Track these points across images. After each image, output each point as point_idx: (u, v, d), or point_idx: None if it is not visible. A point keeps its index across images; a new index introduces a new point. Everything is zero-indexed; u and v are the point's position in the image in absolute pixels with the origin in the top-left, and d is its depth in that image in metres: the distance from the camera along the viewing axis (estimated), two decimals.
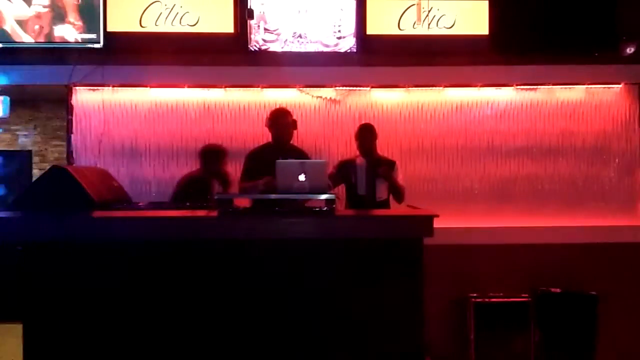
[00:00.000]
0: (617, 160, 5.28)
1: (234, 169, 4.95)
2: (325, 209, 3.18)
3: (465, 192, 5.23)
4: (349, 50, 5.17)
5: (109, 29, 5.07)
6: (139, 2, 5.11)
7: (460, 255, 4.89)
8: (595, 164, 5.27)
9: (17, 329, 3.00)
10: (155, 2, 5.11)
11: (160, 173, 5.16)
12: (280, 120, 4.29)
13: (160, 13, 5.10)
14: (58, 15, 5.08)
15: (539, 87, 5.28)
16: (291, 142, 4.33)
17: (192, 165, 5.14)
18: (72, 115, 5.17)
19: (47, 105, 8.04)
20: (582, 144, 5.28)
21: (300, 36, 5.18)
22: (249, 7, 5.05)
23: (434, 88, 5.26)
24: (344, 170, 4.57)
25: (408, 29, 5.15)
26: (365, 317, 3.04)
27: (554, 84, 5.27)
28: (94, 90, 5.16)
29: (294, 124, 4.31)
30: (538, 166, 5.26)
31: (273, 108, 4.50)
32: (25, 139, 8.15)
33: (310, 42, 5.17)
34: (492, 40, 5.12)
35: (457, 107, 5.28)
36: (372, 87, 5.25)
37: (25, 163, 8.00)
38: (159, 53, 5.05)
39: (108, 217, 3.17)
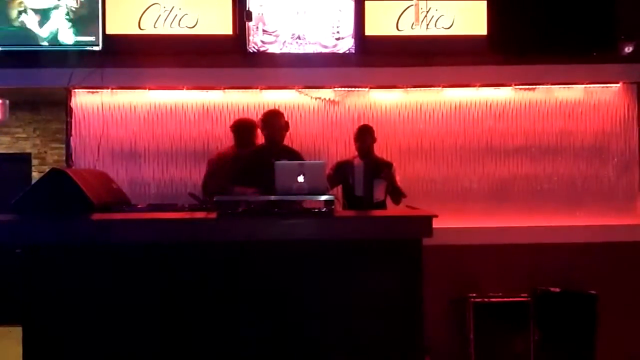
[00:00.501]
0: (615, 159, 5.28)
1: None
2: (324, 210, 3.18)
3: (464, 192, 5.24)
4: (347, 51, 5.17)
5: (108, 32, 5.08)
6: (137, 4, 5.11)
7: (459, 255, 4.90)
8: (594, 164, 5.27)
9: (16, 331, 3.01)
10: (154, 4, 5.11)
11: (160, 175, 5.16)
12: (273, 121, 4.29)
13: (159, 15, 5.10)
14: (58, 17, 5.08)
15: (537, 86, 5.28)
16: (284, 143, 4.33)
17: (191, 167, 5.15)
18: (71, 117, 5.17)
19: (47, 108, 8.04)
20: (580, 144, 5.28)
21: (298, 37, 5.18)
22: (247, 8, 5.05)
23: (432, 88, 5.27)
24: (342, 171, 4.58)
25: (406, 30, 5.15)
26: (365, 318, 3.04)
27: (552, 84, 5.27)
28: (93, 92, 5.17)
29: (286, 126, 4.32)
30: (537, 166, 5.26)
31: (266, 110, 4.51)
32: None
33: (309, 43, 5.18)
34: (491, 41, 5.13)
35: (455, 107, 5.29)
36: (371, 87, 5.26)
37: (25, 166, 8.01)
38: (157, 55, 5.06)
39: (107, 219, 3.17)
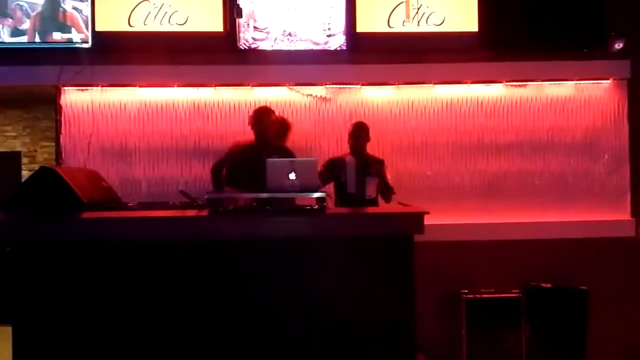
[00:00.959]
0: (606, 155, 5.31)
1: None
2: (316, 207, 3.18)
3: (456, 188, 5.25)
4: (338, 48, 5.17)
5: (97, 29, 5.04)
6: (127, 1, 5.07)
7: (451, 251, 4.92)
8: (585, 160, 5.30)
9: (6, 331, 2.99)
10: (144, 1, 5.08)
11: (150, 173, 5.13)
12: (263, 119, 4.29)
13: (149, 12, 5.07)
14: (46, 15, 5.04)
15: (528, 83, 5.30)
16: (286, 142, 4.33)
17: (182, 165, 5.13)
18: (61, 115, 5.14)
19: (36, 106, 8.00)
20: (571, 140, 5.30)
21: (290, 34, 5.17)
22: (237, 5, 5.03)
23: (424, 85, 5.27)
24: (333, 169, 4.58)
25: (398, 27, 5.15)
26: (357, 315, 3.04)
27: (543, 80, 5.29)
28: (82, 90, 5.13)
29: (276, 123, 4.32)
30: (528, 162, 5.28)
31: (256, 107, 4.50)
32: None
33: (300, 40, 5.17)
34: (482, 37, 5.13)
35: (447, 104, 5.29)
36: (363, 84, 5.25)
37: (15, 164, 7.97)
38: (148, 52, 5.03)
39: (97, 218, 3.15)
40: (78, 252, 3.00)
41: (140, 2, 5.07)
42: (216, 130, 5.16)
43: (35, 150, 8.26)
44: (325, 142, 5.19)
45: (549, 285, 4.84)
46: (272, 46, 5.15)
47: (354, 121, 4.79)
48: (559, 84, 5.31)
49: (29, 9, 5.02)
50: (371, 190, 4.51)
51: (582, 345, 4.73)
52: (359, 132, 4.61)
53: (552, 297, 4.82)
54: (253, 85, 5.20)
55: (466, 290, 4.85)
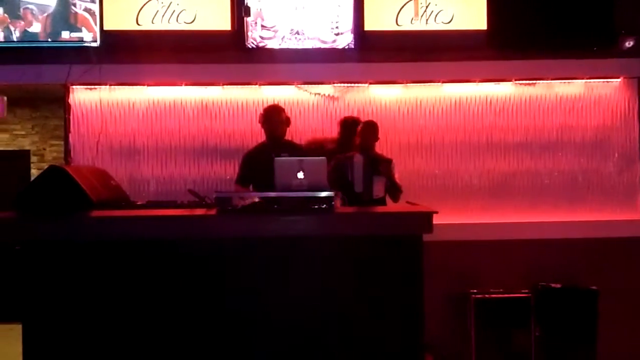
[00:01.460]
0: (616, 154, 5.27)
1: (233, 167, 4.95)
2: (324, 206, 3.16)
3: (465, 187, 5.23)
4: (346, 47, 5.15)
5: (105, 28, 5.05)
6: (135, 0, 5.08)
7: (460, 251, 4.89)
8: (595, 159, 5.26)
9: (16, 329, 3.00)
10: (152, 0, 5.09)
11: (159, 172, 5.14)
12: (274, 117, 4.29)
13: (157, 11, 5.08)
14: (57, 16, 5.05)
15: (537, 81, 5.27)
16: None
17: (191, 164, 5.14)
18: (69, 114, 5.16)
19: (45, 105, 8.04)
20: (581, 139, 5.27)
21: (297, 33, 5.16)
22: (245, 4, 5.02)
23: (432, 84, 5.25)
24: (341, 168, 4.55)
25: (406, 25, 5.13)
26: (365, 315, 3.03)
27: (552, 79, 5.26)
28: (91, 89, 5.15)
29: (287, 121, 4.31)
30: (537, 161, 5.25)
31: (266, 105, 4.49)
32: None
33: (308, 38, 5.15)
34: (491, 35, 5.10)
35: (455, 103, 5.27)
36: (371, 83, 5.24)
37: (24, 163, 8.01)
38: (155, 51, 5.03)
39: (106, 216, 3.15)
40: (87, 250, 3.00)
41: (148, 1, 5.08)
42: (224, 129, 5.16)
43: (44, 149, 8.30)
44: None
45: (558, 286, 4.81)
46: (279, 45, 5.14)
47: (363, 120, 4.77)
48: (568, 82, 5.27)
49: (38, 12, 5.03)
50: (379, 189, 4.49)
51: (592, 345, 4.69)
52: (369, 131, 4.58)
53: (562, 297, 4.79)
54: (261, 84, 5.19)
55: (475, 290, 4.83)
